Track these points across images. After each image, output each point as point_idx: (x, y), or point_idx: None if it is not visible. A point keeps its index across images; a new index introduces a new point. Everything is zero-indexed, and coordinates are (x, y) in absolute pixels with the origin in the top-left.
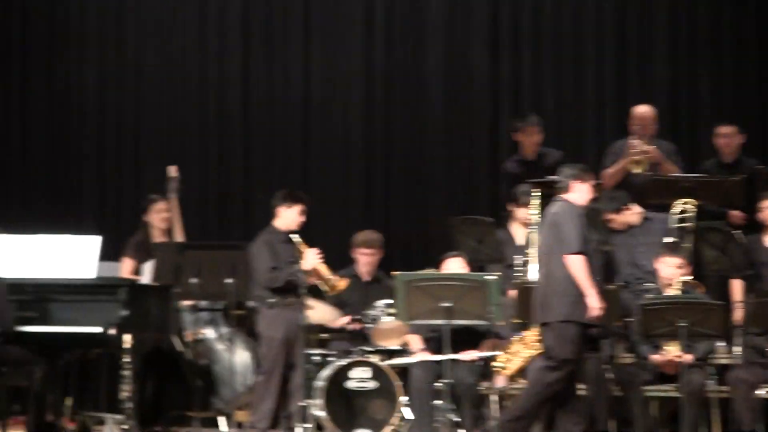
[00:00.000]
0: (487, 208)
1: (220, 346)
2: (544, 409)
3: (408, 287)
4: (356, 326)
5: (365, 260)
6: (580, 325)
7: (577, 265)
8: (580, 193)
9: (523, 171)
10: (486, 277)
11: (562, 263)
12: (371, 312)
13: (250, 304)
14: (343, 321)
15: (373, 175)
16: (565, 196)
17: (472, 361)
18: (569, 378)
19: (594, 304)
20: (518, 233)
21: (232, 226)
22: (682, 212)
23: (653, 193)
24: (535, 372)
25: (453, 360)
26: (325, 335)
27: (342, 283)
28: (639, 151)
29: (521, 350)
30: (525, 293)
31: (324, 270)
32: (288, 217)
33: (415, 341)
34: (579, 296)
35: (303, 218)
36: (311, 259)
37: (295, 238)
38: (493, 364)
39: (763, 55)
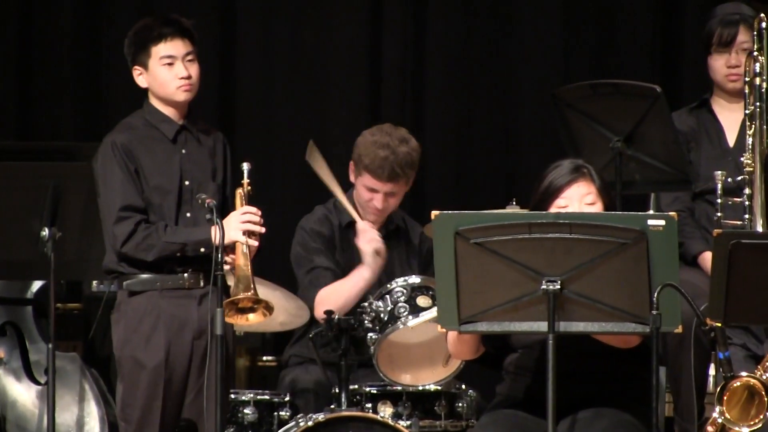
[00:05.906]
0: (647, 69)
1: (25, 387)
2: None
3: (464, 246)
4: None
5: (378, 200)
6: None
7: None
8: None
9: None
10: (649, 222)
11: None
12: (377, 303)
13: (96, 288)
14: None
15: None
16: None
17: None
18: None
19: None
20: (725, 119)
21: (60, 117)
22: None
23: None
24: None
25: (566, 411)
26: (269, 358)
27: (256, 316)
28: None
29: (757, 396)
30: (741, 255)
31: (244, 265)
32: (158, 79)
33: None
34: None
35: (187, 86)
36: (234, 225)
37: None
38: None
39: None
